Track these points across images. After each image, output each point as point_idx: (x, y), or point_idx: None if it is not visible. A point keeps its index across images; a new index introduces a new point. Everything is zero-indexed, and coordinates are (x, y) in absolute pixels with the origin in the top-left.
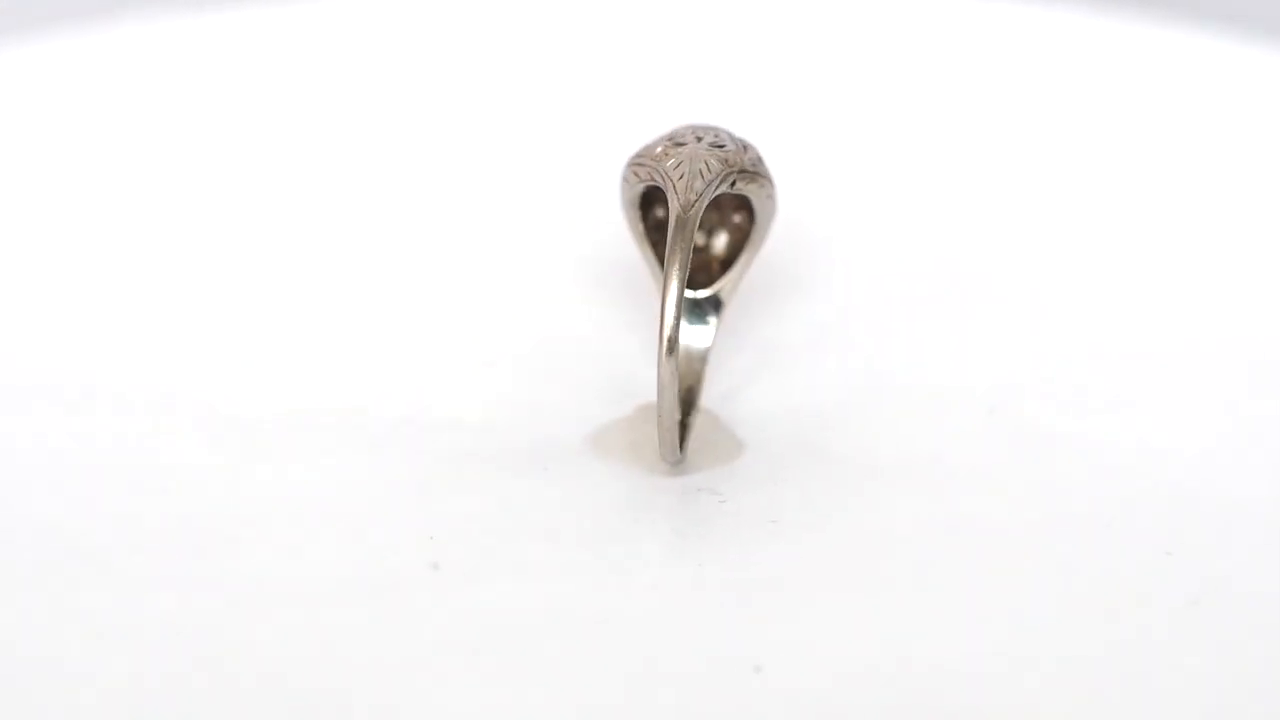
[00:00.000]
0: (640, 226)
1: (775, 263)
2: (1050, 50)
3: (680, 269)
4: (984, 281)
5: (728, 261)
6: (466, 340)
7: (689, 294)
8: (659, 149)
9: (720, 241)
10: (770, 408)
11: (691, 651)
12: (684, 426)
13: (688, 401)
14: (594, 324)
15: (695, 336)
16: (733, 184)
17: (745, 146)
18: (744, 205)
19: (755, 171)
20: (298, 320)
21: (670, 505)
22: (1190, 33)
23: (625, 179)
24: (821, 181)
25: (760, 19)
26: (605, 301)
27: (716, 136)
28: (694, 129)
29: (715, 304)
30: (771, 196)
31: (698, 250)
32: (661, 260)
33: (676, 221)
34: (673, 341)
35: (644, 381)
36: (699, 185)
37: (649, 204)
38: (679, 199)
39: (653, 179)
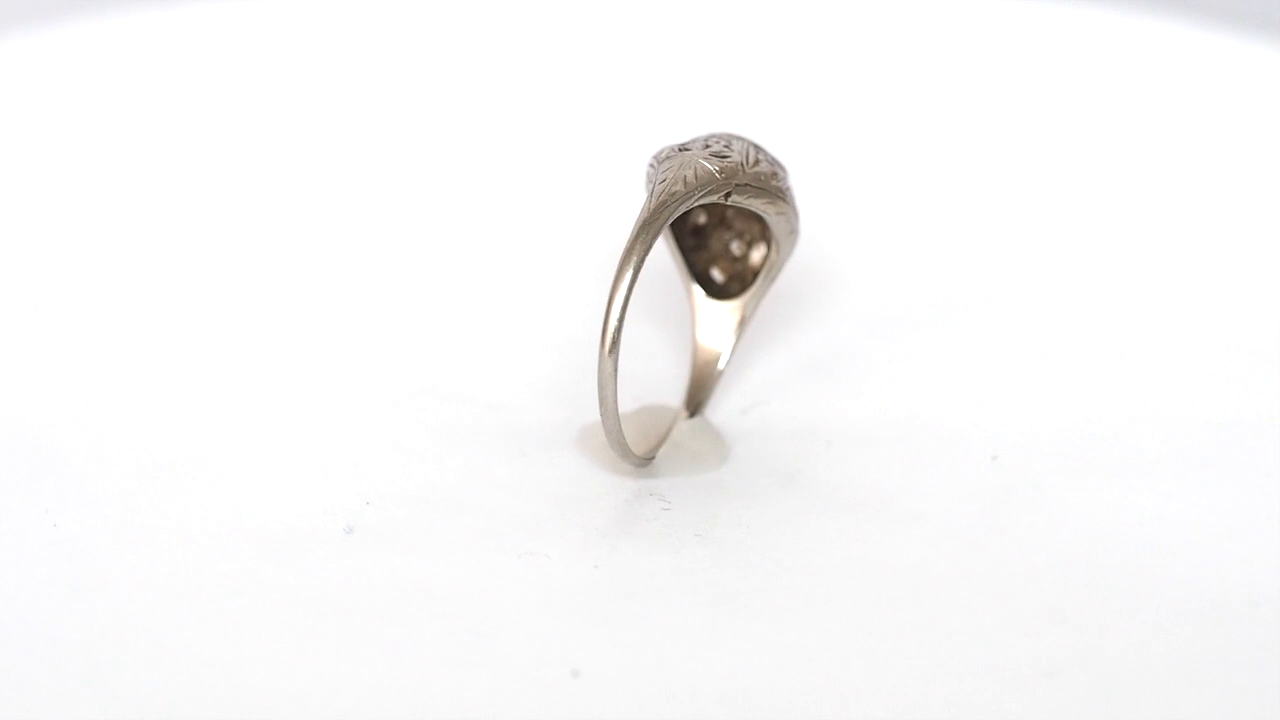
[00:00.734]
0: (667, 230)
1: (809, 278)
2: (1071, 58)
3: (632, 270)
4: (1004, 314)
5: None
6: (500, 332)
7: (715, 302)
8: (666, 152)
9: (758, 255)
10: (770, 428)
11: (523, 646)
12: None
13: (694, 405)
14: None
15: (715, 345)
16: (727, 196)
17: (755, 161)
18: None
19: (760, 188)
20: (320, 305)
21: (612, 504)
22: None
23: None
24: (848, 201)
25: (795, 36)
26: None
27: (728, 147)
28: (719, 137)
29: (739, 316)
30: (785, 215)
31: (734, 260)
32: (689, 264)
33: (640, 225)
34: (613, 340)
35: (658, 382)
36: (678, 190)
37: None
38: (651, 202)
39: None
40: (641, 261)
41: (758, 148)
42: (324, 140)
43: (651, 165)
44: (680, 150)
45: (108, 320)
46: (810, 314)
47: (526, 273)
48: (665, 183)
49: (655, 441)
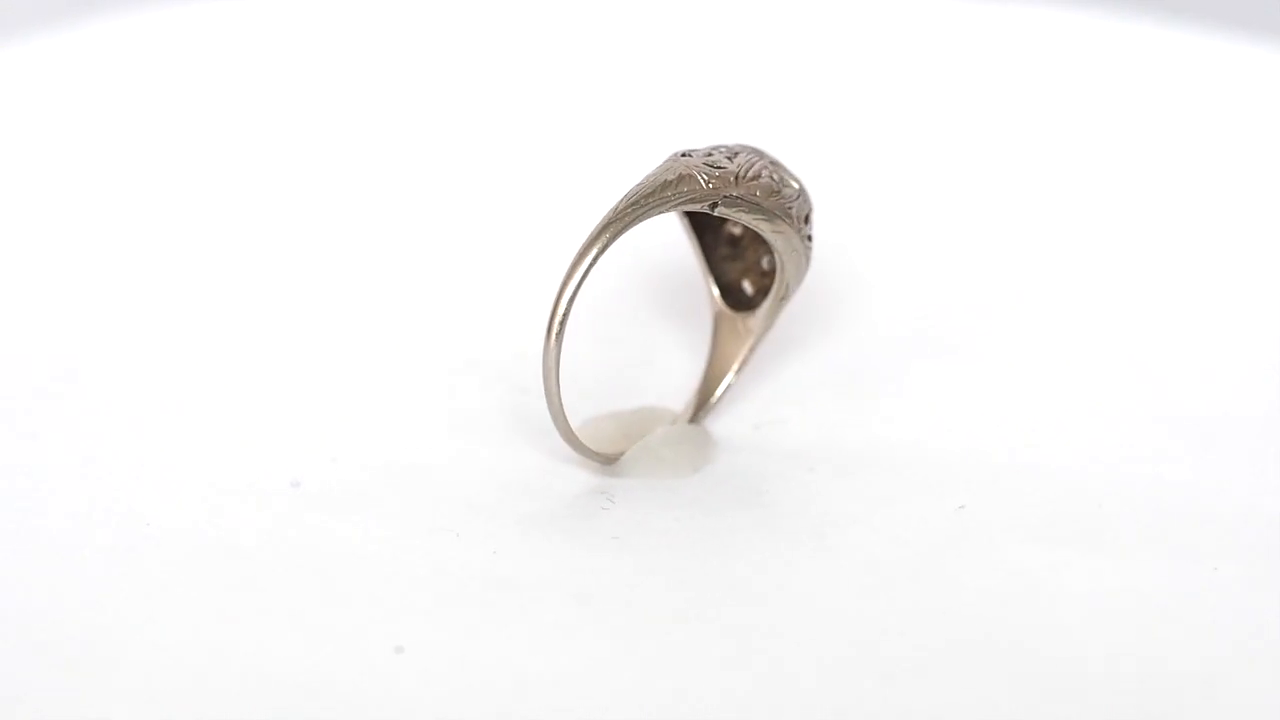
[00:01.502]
0: (692, 235)
1: (852, 289)
2: (1085, 69)
3: (586, 263)
4: (1022, 342)
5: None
6: (497, 319)
7: (733, 315)
8: (671, 155)
9: None
10: (770, 445)
11: (360, 616)
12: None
13: (695, 413)
14: (641, 325)
15: (728, 357)
16: (713, 206)
17: (754, 176)
18: None
19: (753, 203)
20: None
21: (556, 495)
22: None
23: None
24: (873, 216)
25: (816, 50)
26: (660, 305)
27: (730, 158)
28: (732, 148)
29: (751, 332)
30: (784, 235)
31: (763, 274)
32: (722, 273)
33: (603, 222)
34: (558, 329)
35: (671, 387)
36: (652, 192)
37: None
38: (621, 200)
39: None
40: (598, 256)
41: (774, 165)
42: (314, 137)
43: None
44: (682, 155)
45: (101, 303)
46: (853, 327)
47: (524, 261)
48: (643, 184)
49: (629, 442)
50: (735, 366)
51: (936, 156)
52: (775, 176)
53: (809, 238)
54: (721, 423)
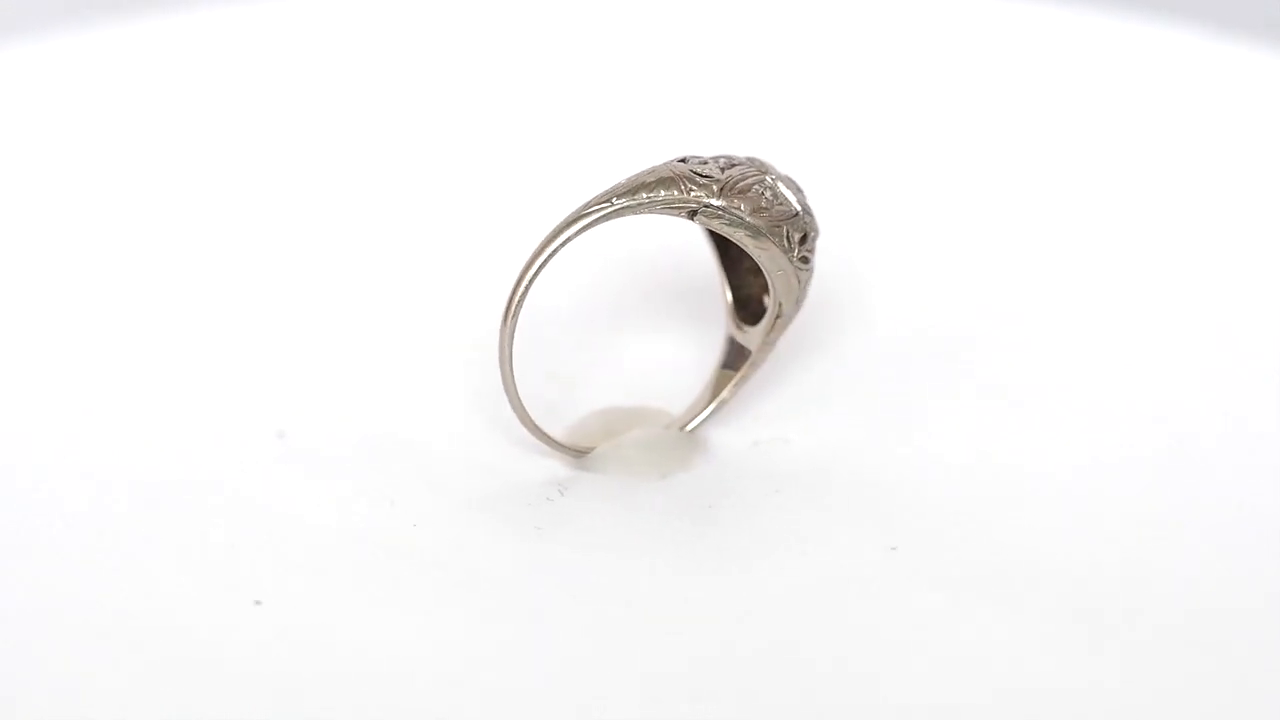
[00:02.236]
0: (712, 244)
1: (833, 309)
2: (1087, 71)
3: (547, 253)
4: (1033, 358)
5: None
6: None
7: (741, 329)
8: (667, 161)
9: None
10: (759, 462)
11: (266, 578)
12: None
13: (693, 415)
14: (663, 326)
15: (731, 370)
16: (692, 214)
17: (743, 190)
18: None
19: (734, 216)
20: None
21: (506, 480)
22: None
23: None
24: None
25: (814, 53)
26: (689, 308)
27: (725, 169)
28: (733, 159)
29: (750, 350)
30: (768, 252)
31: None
32: (745, 286)
33: (571, 214)
34: (512, 315)
35: (681, 392)
36: (622, 192)
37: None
38: (593, 198)
39: None
40: (558, 248)
41: (775, 182)
42: (308, 135)
43: None
44: (679, 161)
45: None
46: (887, 338)
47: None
48: (621, 183)
49: (609, 439)
50: (733, 382)
51: (939, 167)
52: (770, 194)
53: (804, 260)
54: (726, 434)
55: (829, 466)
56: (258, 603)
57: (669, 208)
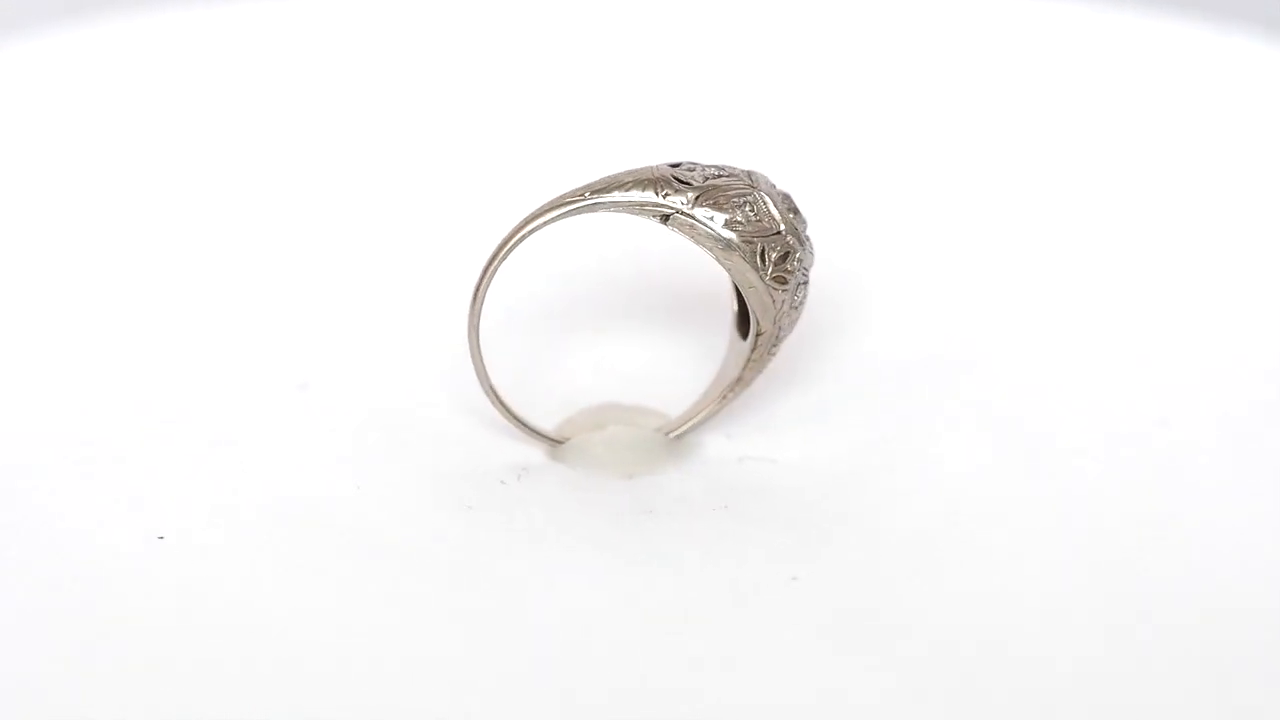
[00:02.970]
0: None
1: (829, 323)
2: (1083, 70)
3: (504, 243)
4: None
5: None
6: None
7: (739, 345)
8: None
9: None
10: (737, 477)
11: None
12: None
13: (682, 423)
14: (677, 330)
15: (727, 379)
16: (664, 219)
17: (718, 202)
18: None
19: (704, 227)
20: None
21: (473, 461)
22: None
23: None
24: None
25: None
26: (697, 316)
27: (709, 179)
28: (728, 171)
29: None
30: (736, 267)
31: None
32: (737, 296)
33: (545, 205)
34: (480, 297)
35: (673, 393)
36: (599, 188)
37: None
38: (571, 190)
39: None
40: (525, 235)
41: (763, 198)
42: (300, 133)
43: None
44: (671, 165)
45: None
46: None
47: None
48: (601, 179)
49: (585, 428)
50: (718, 396)
51: (936, 182)
52: (751, 209)
53: (779, 279)
54: (718, 444)
55: (798, 489)
56: (160, 538)
57: (642, 209)
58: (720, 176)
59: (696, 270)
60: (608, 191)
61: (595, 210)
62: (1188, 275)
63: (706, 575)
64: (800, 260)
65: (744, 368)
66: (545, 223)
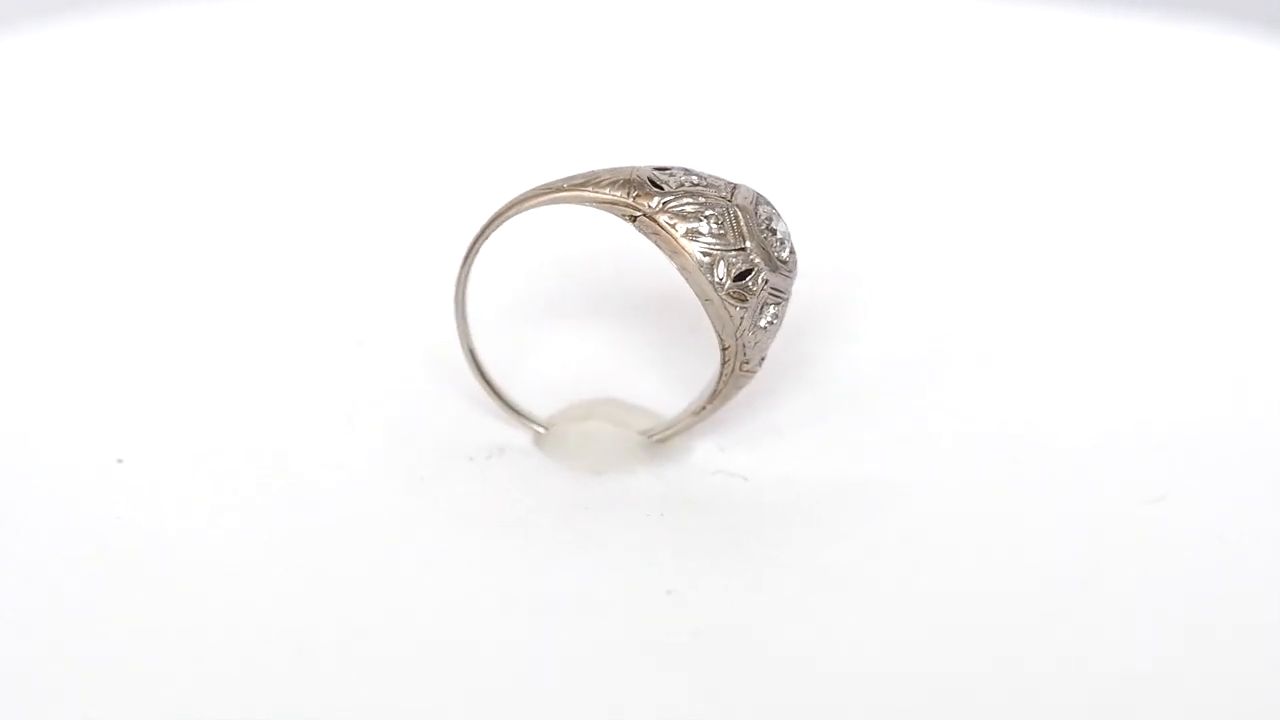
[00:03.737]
0: None
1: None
2: (1070, 71)
3: (502, 219)
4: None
5: None
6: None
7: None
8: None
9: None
10: (684, 485)
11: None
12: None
13: (666, 429)
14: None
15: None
16: (632, 219)
17: (681, 209)
18: None
19: (665, 233)
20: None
21: (453, 437)
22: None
23: None
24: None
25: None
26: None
27: (683, 186)
28: (710, 182)
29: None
30: (690, 276)
31: None
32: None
33: (528, 192)
34: (467, 261)
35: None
36: (579, 182)
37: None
38: (558, 180)
39: None
40: (486, 231)
41: (730, 211)
42: (283, 134)
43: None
44: (657, 168)
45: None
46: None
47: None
48: (585, 172)
49: (572, 419)
50: (694, 409)
51: (922, 191)
52: (717, 222)
53: (737, 296)
54: (706, 454)
55: (753, 507)
56: (120, 460)
57: (612, 207)
58: (698, 186)
59: None
60: (584, 186)
61: (566, 202)
62: (1175, 279)
63: (580, 577)
64: (766, 280)
65: (717, 382)
66: (523, 210)
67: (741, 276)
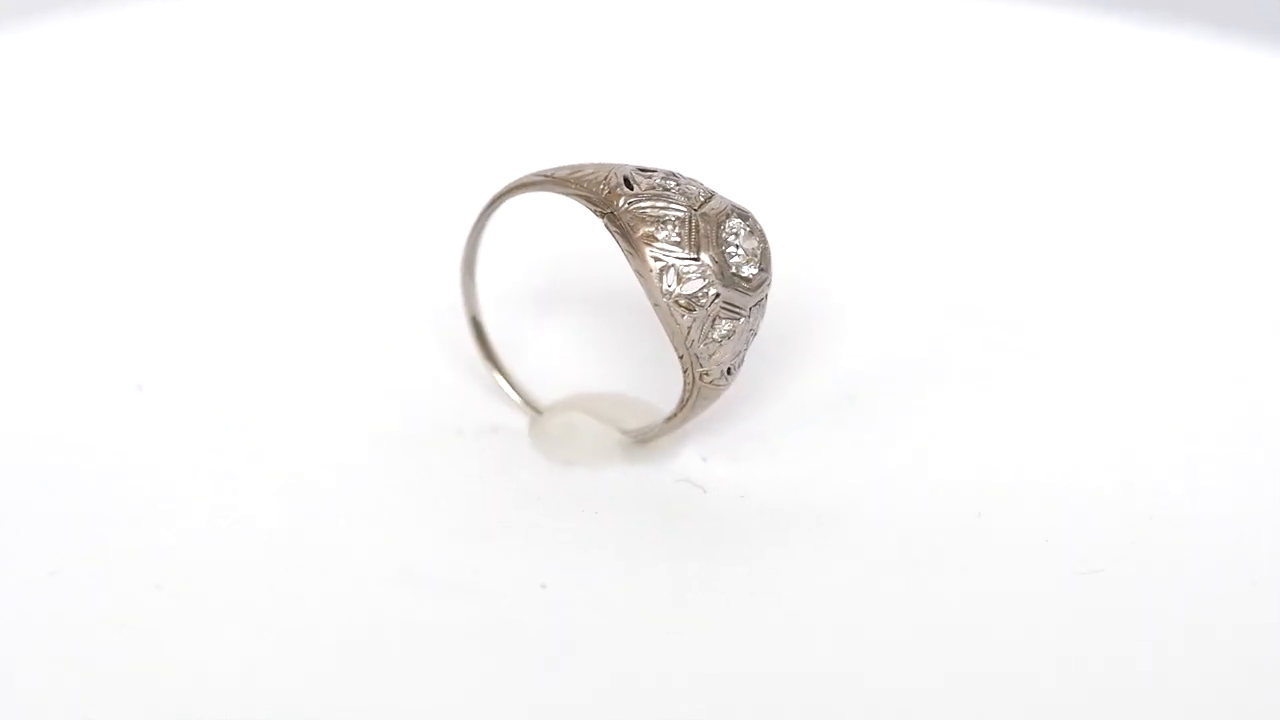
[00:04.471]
0: None
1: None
2: (1056, 75)
3: (499, 202)
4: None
5: None
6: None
7: None
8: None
9: None
10: (646, 490)
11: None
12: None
13: (649, 431)
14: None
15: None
16: (602, 215)
17: (642, 213)
18: None
19: (627, 232)
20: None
21: (448, 411)
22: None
23: None
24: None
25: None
26: None
27: (656, 188)
28: (685, 188)
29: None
30: (640, 278)
31: None
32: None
33: (518, 180)
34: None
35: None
36: (564, 175)
37: None
38: (537, 173)
39: None
40: (503, 201)
41: (689, 217)
42: (276, 128)
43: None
44: (640, 169)
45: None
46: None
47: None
48: (569, 165)
49: (564, 409)
50: (669, 416)
51: (904, 193)
52: (675, 229)
53: (683, 304)
54: (685, 461)
55: (697, 516)
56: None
57: (586, 202)
58: (669, 191)
59: None
60: (566, 181)
61: (549, 190)
62: (1163, 296)
63: (471, 565)
64: (718, 294)
65: (683, 391)
66: (521, 192)
67: (692, 285)
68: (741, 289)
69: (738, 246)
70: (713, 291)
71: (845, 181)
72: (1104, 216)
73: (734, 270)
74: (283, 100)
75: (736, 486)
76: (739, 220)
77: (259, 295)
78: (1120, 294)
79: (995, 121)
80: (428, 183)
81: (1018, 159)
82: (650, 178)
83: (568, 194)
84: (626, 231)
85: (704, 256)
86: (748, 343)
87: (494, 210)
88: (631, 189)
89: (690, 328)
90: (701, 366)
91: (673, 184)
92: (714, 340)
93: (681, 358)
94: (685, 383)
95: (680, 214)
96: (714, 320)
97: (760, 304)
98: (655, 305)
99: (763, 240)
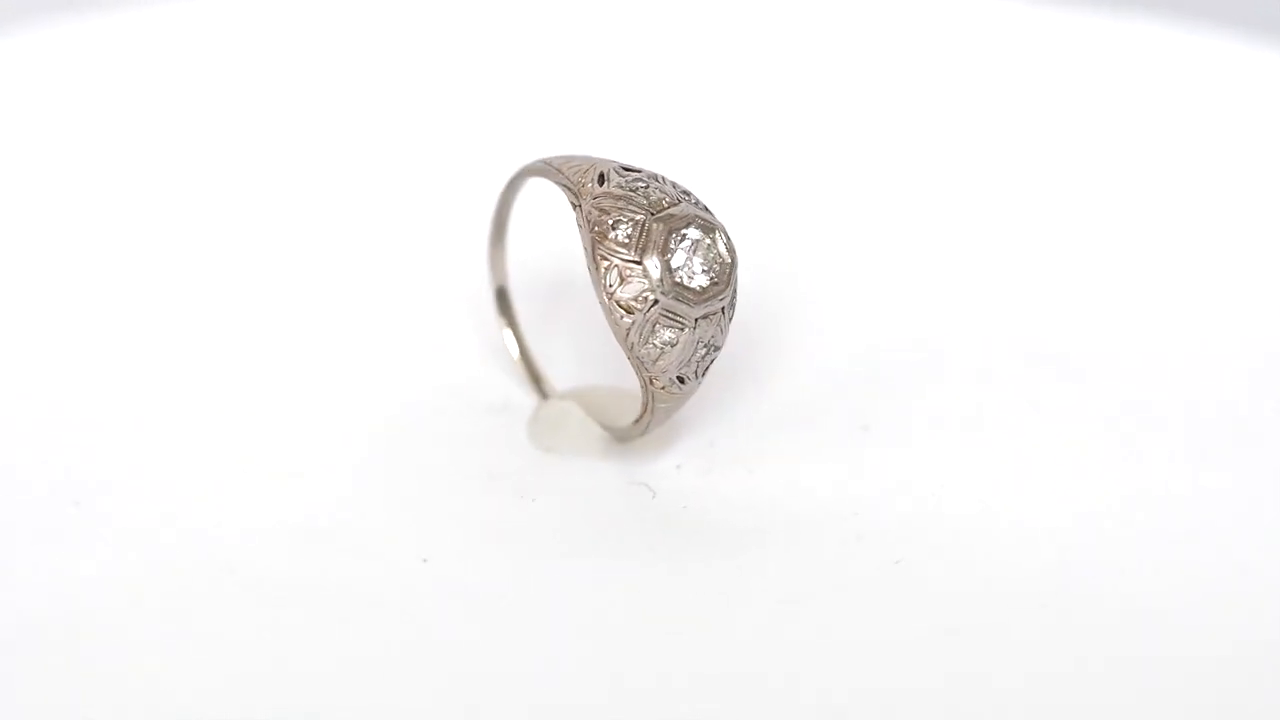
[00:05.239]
0: None
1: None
2: (1050, 74)
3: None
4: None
5: None
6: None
7: None
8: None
9: None
10: (606, 487)
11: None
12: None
13: (626, 433)
14: None
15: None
16: (575, 209)
17: (605, 210)
18: None
19: (587, 226)
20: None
21: (462, 388)
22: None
23: None
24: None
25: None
26: None
27: (628, 185)
28: (662, 186)
29: None
30: (592, 275)
31: None
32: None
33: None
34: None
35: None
36: (557, 165)
37: None
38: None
39: None
40: (520, 182)
41: (642, 220)
42: (274, 130)
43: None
44: (620, 168)
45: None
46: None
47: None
48: (563, 155)
49: (570, 397)
50: (635, 419)
51: (885, 190)
52: (627, 231)
53: (623, 308)
54: (656, 463)
55: (631, 518)
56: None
57: (566, 191)
58: (636, 192)
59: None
60: (557, 170)
61: (549, 179)
62: (1161, 282)
63: (405, 546)
64: (657, 301)
65: (648, 395)
66: (529, 176)
67: (629, 289)
68: (685, 299)
69: (688, 256)
70: (651, 298)
71: (833, 189)
72: (1103, 216)
73: (679, 280)
74: (283, 100)
75: (710, 494)
76: (698, 231)
77: (258, 291)
78: (1120, 294)
79: (992, 121)
80: (427, 178)
81: (1013, 160)
82: (625, 177)
83: (556, 182)
84: (586, 226)
85: (647, 262)
86: (703, 355)
87: (518, 188)
88: (602, 185)
89: (630, 329)
90: (648, 371)
91: (642, 185)
92: (654, 346)
93: (630, 359)
94: (640, 386)
95: (637, 216)
96: (653, 326)
97: (710, 317)
98: (600, 302)
99: (725, 255)
